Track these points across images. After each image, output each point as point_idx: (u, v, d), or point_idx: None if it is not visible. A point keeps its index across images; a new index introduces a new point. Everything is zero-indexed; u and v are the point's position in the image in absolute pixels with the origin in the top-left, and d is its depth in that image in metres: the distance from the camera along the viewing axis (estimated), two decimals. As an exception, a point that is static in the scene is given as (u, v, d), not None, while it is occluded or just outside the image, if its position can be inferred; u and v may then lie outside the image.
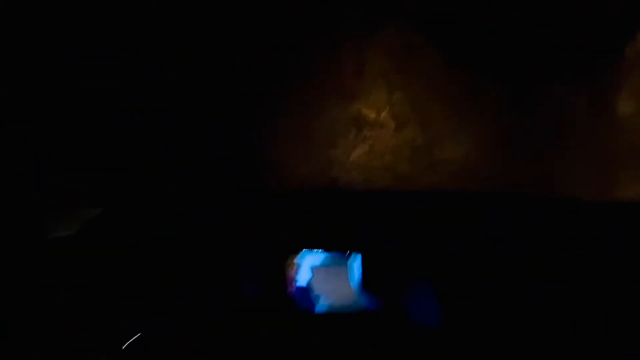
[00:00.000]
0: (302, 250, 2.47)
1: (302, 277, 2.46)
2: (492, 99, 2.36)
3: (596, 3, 2.16)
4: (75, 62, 2.48)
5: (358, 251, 2.42)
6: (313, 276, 2.45)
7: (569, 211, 2.14)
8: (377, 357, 2.16)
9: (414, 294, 2.27)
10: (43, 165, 2.54)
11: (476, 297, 2.15)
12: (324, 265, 2.48)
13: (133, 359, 2.23)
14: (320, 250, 2.47)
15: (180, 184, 2.57)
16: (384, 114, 2.46)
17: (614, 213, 2.09)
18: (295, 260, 2.46)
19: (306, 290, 2.43)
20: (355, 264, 2.42)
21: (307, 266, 2.47)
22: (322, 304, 2.40)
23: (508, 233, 2.17)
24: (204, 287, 2.51)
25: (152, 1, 2.42)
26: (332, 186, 2.50)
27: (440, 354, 2.11)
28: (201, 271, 2.53)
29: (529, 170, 2.30)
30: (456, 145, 2.41)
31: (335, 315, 2.37)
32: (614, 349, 1.94)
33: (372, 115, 2.47)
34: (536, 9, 2.23)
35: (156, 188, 2.59)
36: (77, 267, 2.51)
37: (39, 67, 2.47)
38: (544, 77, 2.25)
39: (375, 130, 2.48)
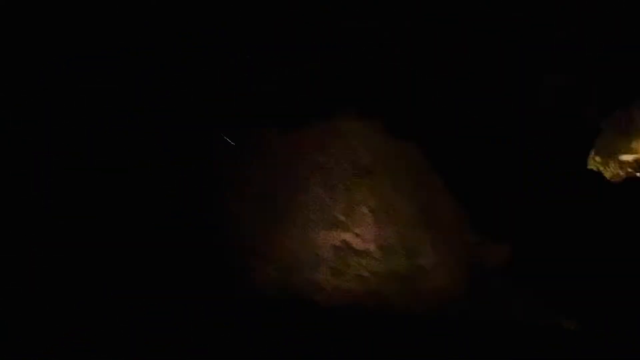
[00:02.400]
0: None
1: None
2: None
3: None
4: (75, 62, 2.43)
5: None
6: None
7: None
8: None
9: None
10: (43, 165, 2.51)
11: None
12: None
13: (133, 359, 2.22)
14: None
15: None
16: (371, 245, 2.50)
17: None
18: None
19: None
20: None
21: None
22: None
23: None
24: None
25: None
26: (312, 309, 2.47)
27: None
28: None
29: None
30: (442, 274, 2.46)
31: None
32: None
33: (358, 245, 2.51)
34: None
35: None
36: (77, 267, 2.49)
37: (39, 67, 2.43)
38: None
39: (361, 259, 2.50)
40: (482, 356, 2.10)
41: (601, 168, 2.30)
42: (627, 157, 2.24)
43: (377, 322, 2.37)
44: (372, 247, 2.50)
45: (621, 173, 2.26)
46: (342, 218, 2.52)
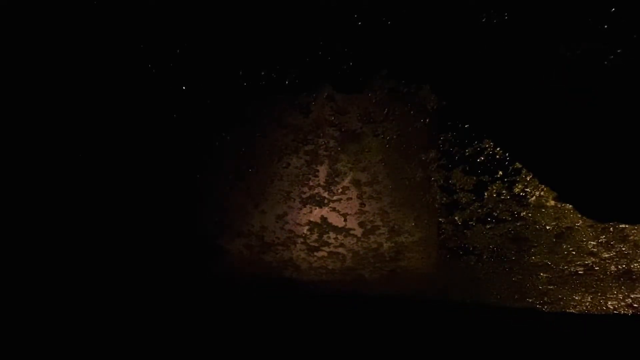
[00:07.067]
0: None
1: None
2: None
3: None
4: (75, 62, 2.39)
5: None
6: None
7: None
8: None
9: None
10: (44, 164, 2.51)
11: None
12: None
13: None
14: None
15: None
16: (351, 222, 2.41)
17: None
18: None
19: None
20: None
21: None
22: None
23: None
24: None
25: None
26: (286, 287, 2.45)
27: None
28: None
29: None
30: (421, 254, 2.38)
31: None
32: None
33: (338, 222, 2.42)
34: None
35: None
36: (76, 267, 2.51)
37: (38, 67, 2.40)
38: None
39: (340, 236, 2.43)
40: (457, 339, 1.99)
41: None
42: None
43: (352, 300, 2.30)
44: (352, 224, 2.40)
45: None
46: (322, 192, 2.39)
